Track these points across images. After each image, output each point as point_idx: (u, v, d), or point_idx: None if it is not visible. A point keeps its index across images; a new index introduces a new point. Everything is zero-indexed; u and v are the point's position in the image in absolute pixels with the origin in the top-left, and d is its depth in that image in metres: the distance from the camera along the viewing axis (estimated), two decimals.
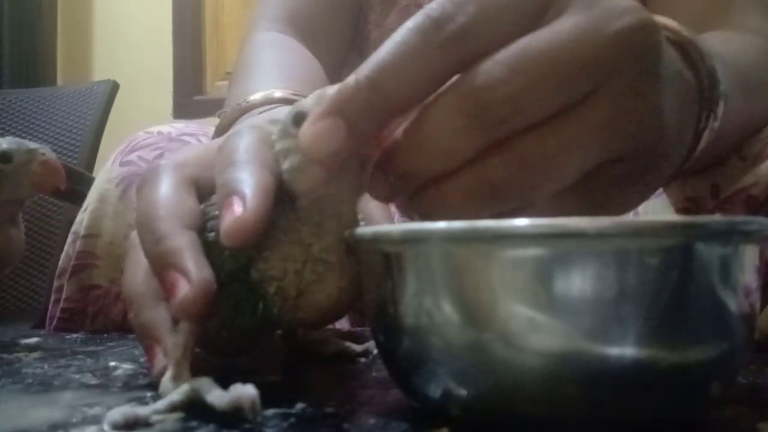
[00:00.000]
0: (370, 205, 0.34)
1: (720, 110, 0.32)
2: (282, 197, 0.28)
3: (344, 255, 0.28)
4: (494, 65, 0.24)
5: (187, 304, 0.26)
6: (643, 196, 0.29)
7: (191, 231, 0.28)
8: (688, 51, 0.31)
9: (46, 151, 0.45)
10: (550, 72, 0.24)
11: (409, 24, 0.24)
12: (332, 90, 0.25)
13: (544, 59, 0.24)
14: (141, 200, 0.30)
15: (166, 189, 0.29)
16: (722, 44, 0.38)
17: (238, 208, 0.26)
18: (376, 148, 0.26)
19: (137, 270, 0.31)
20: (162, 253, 0.27)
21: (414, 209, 0.26)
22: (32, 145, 0.45)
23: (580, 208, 0.27)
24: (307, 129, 0.25)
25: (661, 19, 0.30)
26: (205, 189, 0.30)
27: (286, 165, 0.27)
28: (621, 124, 0.25)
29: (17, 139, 0.45)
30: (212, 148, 0.33)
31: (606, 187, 0.27)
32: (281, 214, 0.28)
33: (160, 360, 0.28)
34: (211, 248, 0.28)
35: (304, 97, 0.47)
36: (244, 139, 0.29)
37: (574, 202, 0.27)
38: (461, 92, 0.24)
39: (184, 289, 0.26)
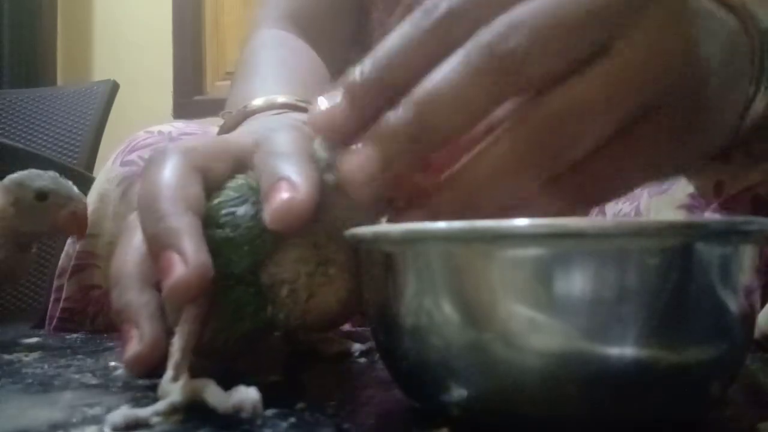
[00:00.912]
0: None
1: None
2: None
3: (353, 257, 0.28)
4: (501, 23, 0.23)
5: (180, 286, 0.25)
6: (703, 153, 0.28)
7: (194, 214, 0.27)
8: (736, 10, 0.29)
9: (81, 203, 0.45)
10: (559, 28, 0.23)
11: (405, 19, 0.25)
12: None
13: (550, 16, 0.23)
14: (146, 179, 0.29)
15: (172, 171, 0.29)
16: None
17: (287, 192, 0.26)
18: (409, 190, 0.26)
19: (129, 251, 0.31)
20: (161, 231, 0.26)
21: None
22: (74, 191, 0.45)
23: (636, 169, 0.25)
24: (346, 159, 0.25)
25: None
26: (210, 181, 0.30)
27: (328, 176, 0.27)
28: (647, 66, 0.24)
29: (60, 179, 0.45)
30: (221, 141, 0.32)
31: (659, 139, 0.25)
32: None
33: (134, 346, 0.27)
34: (219, 248, 0.27)
35: (307, 102, 0.47)
36: (287, 134, 0.29)
37: (630, 163, 0.25)
38: (470, 50, 0.23)
39: (179, 270, 0.25)
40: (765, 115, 0.31)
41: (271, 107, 0.46)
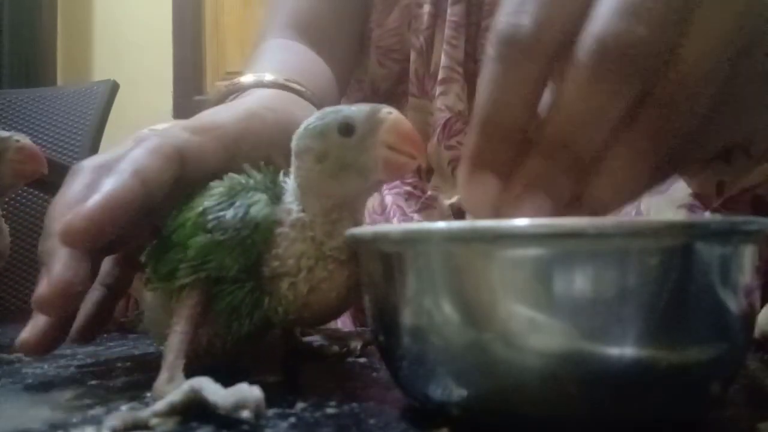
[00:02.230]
0: None
1: None
2: (293, 198, 0.28)
3: (352, 254, 0.28)
4: (616, 16, 0.22)
5: (40, 301, 0.27)
6: (722, 135, 0.27)
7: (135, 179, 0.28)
8: None
9: (20, 138, 0.43)
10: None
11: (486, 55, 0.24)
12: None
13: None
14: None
15: (139, 150, 0.30)
16: None
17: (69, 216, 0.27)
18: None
19: (70, 193, 0.32)
20: (40, 252, 0.29)
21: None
22: (3, 133, 0.43)
23: (656, 153, 0.24)
24: (463, 190, 0.24)
25: None
26: (193, 162, 0.31)
27: (313, 164, 0.28)
28: (729, 26, 0.23)
29: None
30: (203, 119, 0.33)
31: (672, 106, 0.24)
32: (292, 215, 0.28)
33: (42, 288, 0.28)
34: (210, 252, 0.28)
35: (298, 84, 0.47)
36: (139, 149, 0.30)
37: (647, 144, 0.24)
38: (590, 54, 0.22)
39: (42, 287, 0.28)
40: None
41: (259, 84, 0.46)
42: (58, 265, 0.28)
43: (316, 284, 0.28)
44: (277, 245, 0.28)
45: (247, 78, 0.47)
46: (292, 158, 0.29)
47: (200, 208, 0.29)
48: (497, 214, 0.24)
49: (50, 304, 0.28)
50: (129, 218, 0.28)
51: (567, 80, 0.23)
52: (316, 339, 0.38)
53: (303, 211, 0.29)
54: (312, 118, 0.29)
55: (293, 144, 0.29)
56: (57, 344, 0.30)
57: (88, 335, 0.34)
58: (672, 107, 0.23)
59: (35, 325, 0.30)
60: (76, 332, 0.33)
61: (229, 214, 0.28)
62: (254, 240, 0.28)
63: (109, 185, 0.28)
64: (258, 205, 0.28)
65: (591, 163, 0.23)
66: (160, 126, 0.61)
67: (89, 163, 0.33)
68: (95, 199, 0.27)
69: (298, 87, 0.46)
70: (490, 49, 0.24)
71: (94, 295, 0.35)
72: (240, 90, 0.46)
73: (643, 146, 0.23)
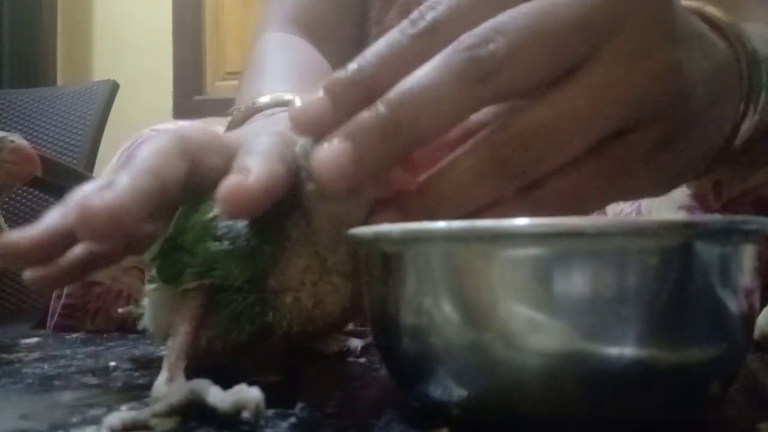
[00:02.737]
0: None
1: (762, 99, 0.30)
2: (299, 212, 0.28)
3: (356, 267, 0.28)
4: (482, 29, 0.24)
5: (86, 213, 0.24)
6: (681, 175, 0.28)
7: (155, 179, 0.27)
8: (725, 32, 0.30)
9: (15, 138, 0.42)
10: (540, 37, 0.23)
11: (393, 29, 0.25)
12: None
13: (532, 24, 0.23)
14: (134, 154, 0.29)
15: (156, 150, 0.28)
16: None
17: (237, 176, 0.26)
18: (385, 190, 0.26)
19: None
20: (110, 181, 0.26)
21: None
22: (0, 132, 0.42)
23: (607, 189, 0.26)
24: (319, 152, 0.25)
25: (694, 3, 0.30)
26: (201, 171, 0.29)
27: (310, 186, 0.27)
28: (623, 87, 0.24)
29: None
30: (219, 136, 0.32)
31: (631, 162, 0.25)
32: (298, 229, 0.28)
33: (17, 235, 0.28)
34: (217, 260, 0.28)
35: None
36: (267, 138, 0.29)
37: (598, 183, 0.25)
38: (449, 52, 0.24)
39: (95, 200, 0.24)
40: (756, 131, 0.31)
41: (277, 104, 0.46)
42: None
43: (321, 298, 0.29)
44: (282, 258, 0.28)
45: (265, 98, 0.46)
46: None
47: (209, 215, 0.28)
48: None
49: (16, 250, 0.28)
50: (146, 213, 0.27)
51: (427, 63, 0.24)
52: (316, 339, 0.38)
53: (308, 225, 0.29)
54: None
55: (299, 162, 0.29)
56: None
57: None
58: (523, 143, 0.24)
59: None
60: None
61: (239, 224, 0.28)
62: (262, 251, 0.28)
63: (125, 179, 0.26)
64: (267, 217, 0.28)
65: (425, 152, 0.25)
66: (161, 125, 0.61)
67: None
68: (112, 192, 0.26)
69: None
70: (398, 25, 0.25)
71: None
72: (259, 111, 0.46)
73: (472, 164, 0.25)
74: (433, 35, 0.25)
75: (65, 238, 0.29)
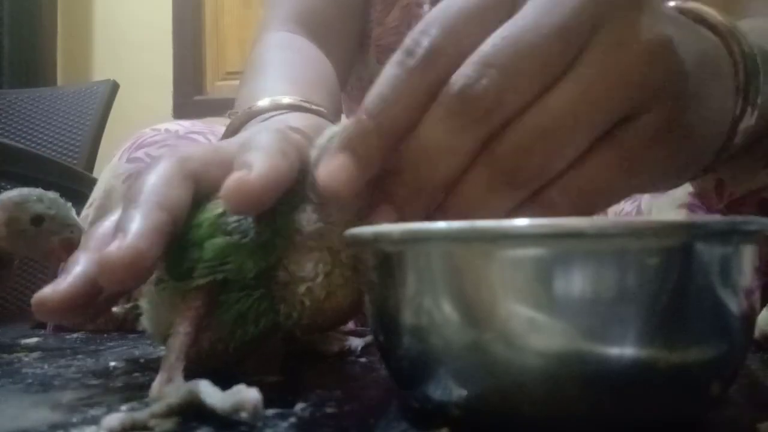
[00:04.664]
0: None
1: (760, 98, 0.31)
2: (311, 207, 0.29)
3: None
4: (470, 65, 0.25)
5: (106, 263, 0.25)
6: (687, 167, 0.29)
7: (163, 212, 0.27)
8: (715, 27, 0.31)
9: (77, 230, 0.42)
10: (528, 56, 0.24)
11: (393, 58, 0.26)
12: (339, 128, 0.27)
13: (518, 47, 0.24)
14: (136, 181, 0.29)
15: (159, 175, 0.29)
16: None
17: (241, 172, 0.26)
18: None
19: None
20: (120, 218, 0.27)
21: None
22: (71, 217, 0.42)
23: (620, 181, 0.26)
24: (322, 168, 0.26)
25: (690, 4, 0.31)
26: (205, 187, 0.30)
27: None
28: (618, 73, 0.24)
29: (60, 201, 0.42)
30: (218, 149, 0.33)
31: (639, 148, 0.25)
32: (311, 223, 0.29)
33: (47, 290, 0.28)
34: (229, 255, 0.28)
35: (314, 104, 0.48)
36: (267, 134, 0.30)
37: (608, 174, 0.25)
38: (446, 98, 0.25)
39: (112, 246, 0.25)
40: (755, 131, 0.31)
41: (276, 108, 0.46)
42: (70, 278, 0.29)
43: (333, 290, 0.29)
44: (295, 251, 0.29)
45: (263, 102, 0.47)
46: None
47: (219, 210, 0.28)
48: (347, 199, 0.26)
49: (52, 307, 0.28)
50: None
51: (428, 113, 0.25)
52: (316, 339, 0.38)
53: (321, 220, 0.29)
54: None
55: (312, 158, 0.30)
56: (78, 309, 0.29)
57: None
58: (526, 151, 0.25)
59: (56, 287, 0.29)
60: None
61: (249, 218, 0.28)
62: (275, 243, 0.28)
63: (136, 222, 0.27)
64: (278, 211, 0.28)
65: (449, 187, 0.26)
66: (161, 125, 0.61)
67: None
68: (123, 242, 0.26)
69: (315, 108, 0.47)
70: (393, 57, 0.26)
71: None
72: (257, 114, 0.46)
73: (479, 184, 0.25)
74: (432, 65, 0.25)
75: (92, 287, 0.29)
